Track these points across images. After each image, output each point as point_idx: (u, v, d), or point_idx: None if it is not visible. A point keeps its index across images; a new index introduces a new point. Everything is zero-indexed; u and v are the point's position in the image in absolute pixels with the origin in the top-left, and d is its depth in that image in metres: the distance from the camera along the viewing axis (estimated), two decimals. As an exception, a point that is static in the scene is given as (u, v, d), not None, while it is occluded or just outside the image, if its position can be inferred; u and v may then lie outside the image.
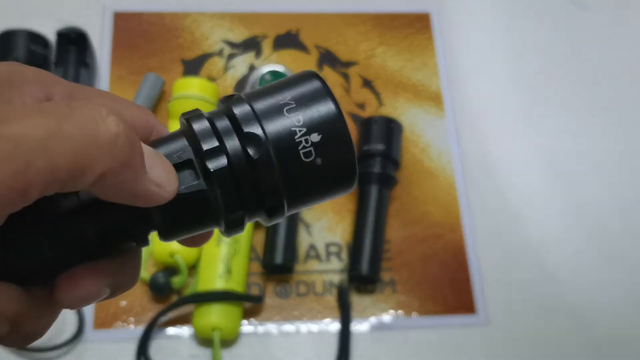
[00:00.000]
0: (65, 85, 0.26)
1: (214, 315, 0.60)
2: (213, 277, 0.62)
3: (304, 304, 0.65)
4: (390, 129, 0.69)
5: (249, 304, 0.64)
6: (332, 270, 0.67)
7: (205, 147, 0.25)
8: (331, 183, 0.26)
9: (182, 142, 0.26)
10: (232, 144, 0.25)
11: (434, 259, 0.69)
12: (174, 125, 0.68)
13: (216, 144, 0.25)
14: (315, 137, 0.25)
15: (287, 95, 0.26)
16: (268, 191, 0.25)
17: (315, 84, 0.26)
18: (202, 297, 0.61)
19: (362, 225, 0.66)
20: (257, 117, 0.25)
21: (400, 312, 0.66)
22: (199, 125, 0.25)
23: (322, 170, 0.25)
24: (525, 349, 0.65)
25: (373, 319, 0.65)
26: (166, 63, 0.76)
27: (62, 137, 0.20)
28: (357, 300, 0.66)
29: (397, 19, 0.82)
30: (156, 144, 0.26)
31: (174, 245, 0.63)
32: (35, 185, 0.20)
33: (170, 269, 0.64)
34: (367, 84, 0.78)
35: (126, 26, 0.78)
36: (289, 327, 0.64)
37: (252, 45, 0.79)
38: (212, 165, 0.25)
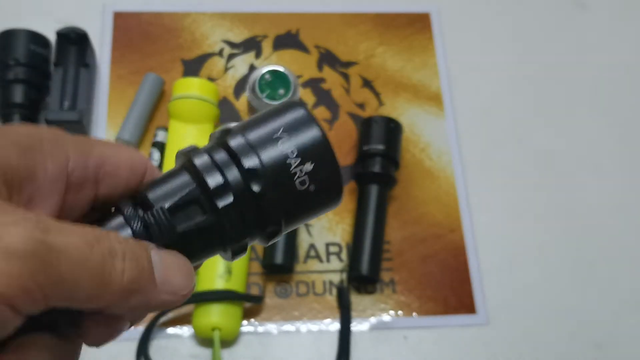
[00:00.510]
0: (76, 143, 0.26)
1: (214, 315, 0.61)
2: (213, 277, 0.62)
3: (304, 304, 0.65)
4: (390, 129, 0.69)
5: (249, 304, 0.64)
6: (332, 270, 0.67)
7: (212, 184, 0.26)
8: (323, 204, 0.29)
9: (186, 178, 0.27)
10: (235, 179, 0.27)
11: (434, 259, 0.69)
12: (174, 125, 0.68)
13: (221, 181, 0.26)
14: (308, 167, 0.28)
15: (277, 126, 0.28)
16: (269, 220, 0.27)
17: (300, 113, 0.28)
18: (202, 297, 0.61)
19: (362, 225, 0.66)
20: (255, 151, 0.27)
21: (400, 312, 0.66)
22: (201, 161, 0.27)
23: (315, 195, 0.28)
24: (525, 349, 0.66)
25: (373, 319, 0.65)
26: (166, 63, 0.76)
27: (79, 281, 0.22)
28: (357, 300, 0.66)
29: (397, 19, 0.82)
30: (159, 182, 0.27)
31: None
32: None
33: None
34: (367, 84, 0.78)
35: (126, 26, 0.78)
36: (289, 327, 0.64)
37: (252, 45, 0.79)
38: (220, 203, 0.26)
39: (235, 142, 0.27)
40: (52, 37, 0.71)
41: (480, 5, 0.85)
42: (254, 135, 0.27)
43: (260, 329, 0.64)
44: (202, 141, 0.68)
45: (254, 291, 0.65)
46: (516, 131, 0.77)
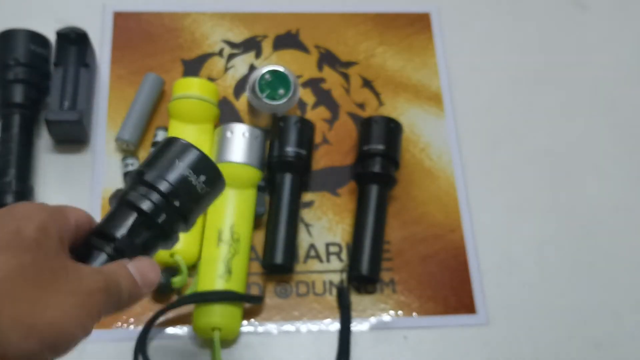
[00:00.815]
0: (56, 210, 0.38)
1: (214, 316, 0.60)
2: (213, 277, 0.62)
3: (304, 304, 0.65)
4: (390, 129, 0.69)
5: (249, 304, 0.64)
6: (332, 270, 0.67)
7: (147, 209, 0.41)
8: (217, 194, 0.44)
9: (127, 211, 0.41)
10: (160, 201, 0.41)
11: (434, 259, 0.69)
12: (175, 125, 0.68)
13: (152, 206, 0.41)
14: (202, 178, 0.42)
15: (172, 157, 0.42)
16: (189, 218, 0.43)
17: (181, 144, 0.43)
18: (202, 297, 0.61)
19: (362, 225, 0.66)
20: (165, 178, 0.41)
21: (400, 312, 0.66)
22: (134, 197, 0.41)
23: (211, 192, 0.43)
24: (525, 349, 0.66)
25: (373, 319, 0.65)
26: (166, 63, 0.76)
27: (110, 296, 0.36)
28: (357, 300, 0.66)
29: (397, 19, 0.82)
30: (111, 220, 0.41)
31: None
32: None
33: (171, 269, 0.64)
34: (367, 84, 0.78)
35: (126, 26, 0.78)
36: (289, 327, 0.64)
37: (252, 45, 0.79)
38: (158, 220, 0.41)
39: (149, 176, 0.41)
40: (52, 37, 0.71)
41: (480, 5, 0.85)
42: (160, 168, 0.42)
43: (260, 329, 0.64)
44: (203, 141, 0.68)
45: (254, 291, 0.65)
46: (516, 131, 0.77)
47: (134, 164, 0.68)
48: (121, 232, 0.39)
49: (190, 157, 0.42)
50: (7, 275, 0.31)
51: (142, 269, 0.38)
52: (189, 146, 0.42)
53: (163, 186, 0.41)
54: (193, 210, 0.42)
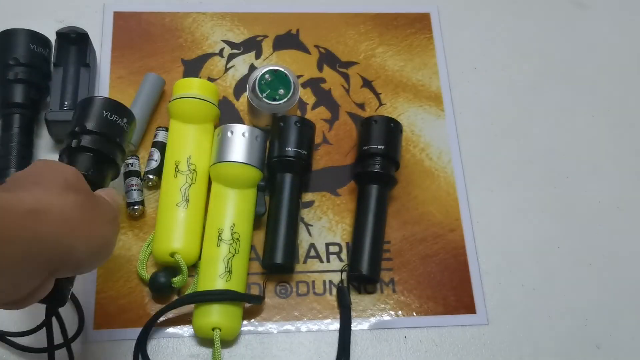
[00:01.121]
0: None
1: (214, 315, 0.61)
2: (213, 277, 0.62)
3: (304, 304, 0.65)
4: (390, 129, 0.69)
5: (249, 304, 0.64)
6: (332, 270, 0.67)
7: (102, 149, 0.57)
8: (133, 127, 0.61)
9: (86, 154, 0.57)
10: (106, 141, 0.58)
11: (434, 259, 0.69)
12: (175, 125, 0.68)
13: (104, 146, 0.57)
14: (122, 118, 0.59)
15: (97, 110, 0.58)
16: (124, 149, 0.59)
17: (97, 98, 0.59)
18: (202, 296, 0.61)
19: (362, 225, 0.66)
20: (93, 126, 0.58)
21: (400, 311, 0.66)
22: (87, 142, 0.57)
23: (128, 125, 0.60)
24: (525, 349, 0.66)
25: (373, 319, 0.65)
26: (166, 63, 0.76)
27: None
28: (357, 300, 0.66)
29: (397, 19, 0.82)
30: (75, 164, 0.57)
31: (174, 244, 0.63)
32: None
33: (170, 269, 0.64)
34: (367, 84, 0.78)
35: (126, 26, 0.78)
36: (289, 327, 0.64)
37: (252, 45, 0.79)
38: (110, 155, 0.58)
39: (90, 126, 0.57)
40: (52, 37, 0.71)
41: (480, 6, 0.85)
42: (93, 120, 0.57)
43: (260, 328, 0.64)
44: (203, 141, 0.68)
45: (254, 291, 0.65)
46: (516, 131, 0.77)
47: (134, 164, 0.68)
48: (89, 169, 0.56)
49: (106, 105, 0.58)
50: (74, 208, 0.44)
51: (110, 195, 0.51)
52: (102, 99, 0.59)
53: (103, 129, 0.57)
54: (125, 140, 0.59)
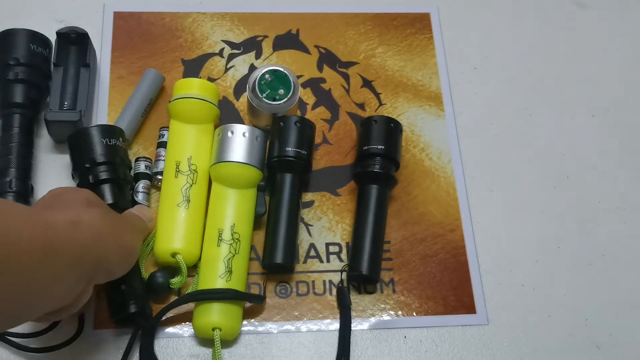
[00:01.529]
0: None
1: (215, 315, 0.60)
2: (213, 277, 0.62)
3: (304, 304, 0.65)
4: (390, 129, 0.69)
5: (250, 304, 0.64)
6: (332, 270, 0.67)
7: (116, 177, 0.63)
8: (127, 145, 0.67)
9: (104, 185, 0.63)
10: (114, 167, 0.63)
11: (434, 259, 0.69)
12: (175, 126, 0.68)
13: (115, 173, 0.64)
14: (118, 140, 0.65)
15: (98, 140, 0.64)
16: (129, 165, 0.66)
17: (90, 129, 0.64)
18: (203, 295, 0.61)
19: (362, 225, 0.66)
20: (105, 154, 0.64)
21: (400, 312, 0.66)
22: (101, 174, 0.63)
23: (126, 145, 0.66)
24: (525, 349, 0.66)
25: (373, 319, 0.65)
26: (166, 63, 0.76)
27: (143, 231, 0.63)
28: (357, 300, 0.66)
29: (397, 19, 0.82)
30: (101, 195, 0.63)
31: (176, 245, 0.63)
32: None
33: (169, 269, 0.64)
34: (367, 84, 0.78)
35: (126, 26, 0.78)
36: (289, 327, 0.64)
37: (252, 45, 0.79)
38: (122, 178, 0.64)
39: (98, 158, 0.63)
40: (52, 37, 0.71)
41: (480, 6, 0.85)
42: (95, 151, 0.63)
43: (260, 328, 0.64)
44: (203, 141, 0.68)
45: (254, 291, 0.65)
46: (516, 131, 0.77)
47: (142, 167, 0.68)
48: (114, 198, 0.62)
49: (102, 132, 0.63)
50: (99, 220, 0.50)
51: (141, 211, 0.62)
52: (92, 128, 0.63)
53: (108, 158, 0.62)
54: (127, 155, 0.66)
